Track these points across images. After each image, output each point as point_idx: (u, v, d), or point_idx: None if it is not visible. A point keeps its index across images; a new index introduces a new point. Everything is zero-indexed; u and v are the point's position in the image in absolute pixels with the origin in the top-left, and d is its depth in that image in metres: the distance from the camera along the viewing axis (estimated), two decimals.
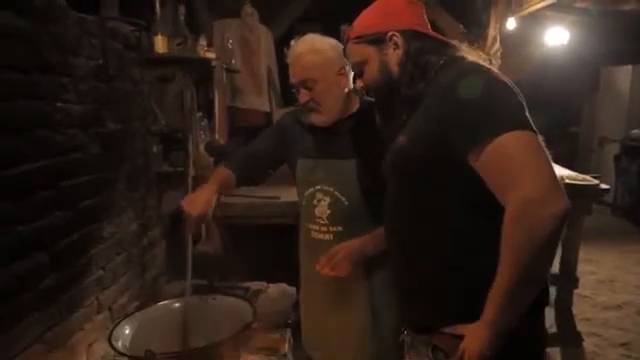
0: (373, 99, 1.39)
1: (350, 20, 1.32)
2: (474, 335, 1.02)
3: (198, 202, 1.57)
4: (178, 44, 2.44)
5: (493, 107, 1.02)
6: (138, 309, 1.69)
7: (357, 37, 1.26)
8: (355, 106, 1.62)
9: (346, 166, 1.57)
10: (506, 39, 4.33)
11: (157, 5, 2.32)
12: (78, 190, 1.60)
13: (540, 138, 1.00)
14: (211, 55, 2.65)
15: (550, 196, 0.93)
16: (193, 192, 1.70)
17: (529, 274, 0.97)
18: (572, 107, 7.59)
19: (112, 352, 1.35)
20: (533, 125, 1.00)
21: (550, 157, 0.99)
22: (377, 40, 1.22)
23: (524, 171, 0.95)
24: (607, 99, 6.65)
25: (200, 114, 2.66)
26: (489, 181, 1.01)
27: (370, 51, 1.24)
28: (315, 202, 1.61)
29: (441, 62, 1.17)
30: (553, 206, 0.92)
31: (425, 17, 1.25)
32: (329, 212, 1.59)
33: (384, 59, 1.22)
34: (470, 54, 1.20)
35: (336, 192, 1.57)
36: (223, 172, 1.72)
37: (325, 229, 1.60)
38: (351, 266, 1.49)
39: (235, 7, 3.65)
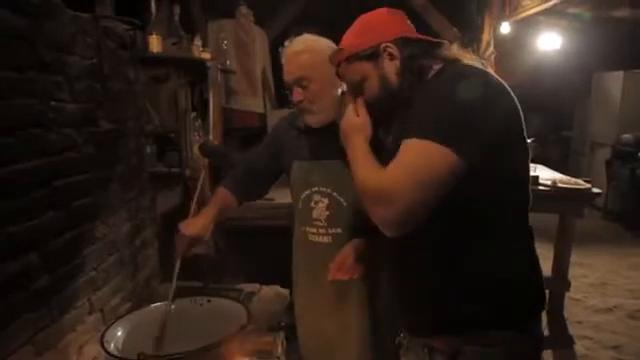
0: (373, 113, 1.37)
1: (346, 23, 1.30)
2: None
3: (194, 225, 1.57)
4: (173, 44, 2.43)
5: (436, 113, 1.03)
6: (130, 311, 1.67)
7: (350, 57, 1.23)
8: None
9: (343, 167, 1.55)
10: (500, 43, 4.36)
11: (152, 4, 2.31)
12: (71, 190, 1.58)
13: (455, 159, 0.99)
14: (206, 56, 2.64)
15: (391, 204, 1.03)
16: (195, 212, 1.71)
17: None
18: (565, 111, 7.66)
19: (104, 354, 1.33)
20: (460, 144, 0.99)
21: (445, 182, 1.00)
22: (372, 55, 1.20)
23: (400, 172, 1.03)
24: (599, 104, 6.70)
25: (194, 114, 2.65)
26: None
27: (367, 67, 1.21)
28: (312, 204, 1.60)
29: (437, 67, 1.17)
30: (385, 210, 1.04)
31: (409, 22, 1.25)
32: (327, 214, 1.57)
33: (382, 72, 1.20)
34: (464, 57, 1.19)
35: (334, 193, 1.57)
36: (223, 193, 1.70)
37: (324, 231, 1.59)
38: (361, 266, 1.48)
39: (230, 8, 3.64)
